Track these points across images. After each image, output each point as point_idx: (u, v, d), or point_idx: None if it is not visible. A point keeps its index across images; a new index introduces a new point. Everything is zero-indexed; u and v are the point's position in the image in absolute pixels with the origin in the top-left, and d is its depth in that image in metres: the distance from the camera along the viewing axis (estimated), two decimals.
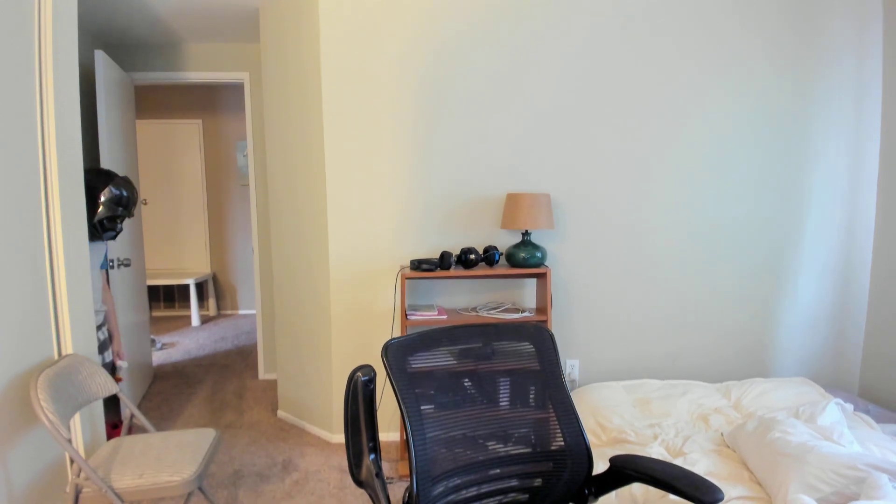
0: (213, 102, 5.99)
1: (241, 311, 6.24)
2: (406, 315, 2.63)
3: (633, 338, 3.04)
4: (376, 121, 2.82)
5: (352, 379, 1.37)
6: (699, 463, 1.95)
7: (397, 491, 2.50)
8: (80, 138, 2.24)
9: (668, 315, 3.04)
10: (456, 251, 2.93)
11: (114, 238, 2.51)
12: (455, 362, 1.49)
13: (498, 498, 1.47)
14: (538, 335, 1.57)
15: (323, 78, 2.78)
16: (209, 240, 6.14)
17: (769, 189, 2.99)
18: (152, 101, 5.91)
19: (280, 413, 3.38)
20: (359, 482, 1.38)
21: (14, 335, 1.81)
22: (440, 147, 2.86)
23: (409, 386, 1.37)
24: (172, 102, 5.95)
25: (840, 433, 1.90)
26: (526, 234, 2.75)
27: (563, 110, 2.88)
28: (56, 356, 2.04)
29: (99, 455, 1.90)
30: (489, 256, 2.73)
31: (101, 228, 2.42)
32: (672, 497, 1.68)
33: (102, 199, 2.37)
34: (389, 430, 3.00)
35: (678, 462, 1.98)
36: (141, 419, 2.12)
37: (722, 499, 1.21)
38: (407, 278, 2.73)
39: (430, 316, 2.64)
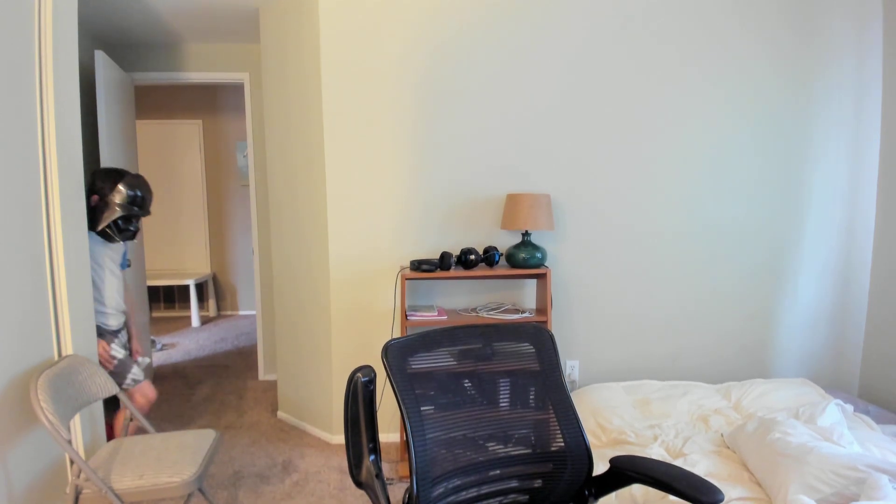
0: (213, 103, 5.98)
1: (241, 312, 6.24)
2: (406, 315, 2.63)
3: (633, 338, 3.04)
4: (376, 121, 2.82)
5: (352, 380, 1.37)
6: (699, 464, 1.95)
7: (397, 492, 2.50)
8: (80, 138, 2.24)
9: (668, 315, 3.04)
10: (456, 251, 2.93)
11: (132, 238, 2.46)
12: (455, 363, 1.49)
13: (498, 499, 1.47)
14: (538, 336, 1.57)
15: (323, 78, 2.78)
16: (209, 240, 6.14)
17: (769, 189, 2.99)
18: (152, 102, 5.91)
19: (280, 414, 3.38)
20: (359, 483, 1.38)
21: (14, 335, 1.81)
22: (440, 147, 2.86)
23: (409, 387, 1.37)
24: (172, 103, 5.95)
25: (840, 434, 1.90)
26: (526, 234, 2.75)
27: (563, 110, 2.88)
28: (56, 357, 2.04)
29: (99, 456, 1.90)
30: (489, 257, 2.73)
31: (116, 229, 2.37)
32: (672, 498, 1.68)
33: (117, 200, 2.33)
34: (389, 431, 3.00)
35: (678, 463, 1.98)
36: (141, 420, 2.12)
37: (722, 500, 1.21)
38: (407, 279, 2.73)
39: (430, 316, 2.64)
